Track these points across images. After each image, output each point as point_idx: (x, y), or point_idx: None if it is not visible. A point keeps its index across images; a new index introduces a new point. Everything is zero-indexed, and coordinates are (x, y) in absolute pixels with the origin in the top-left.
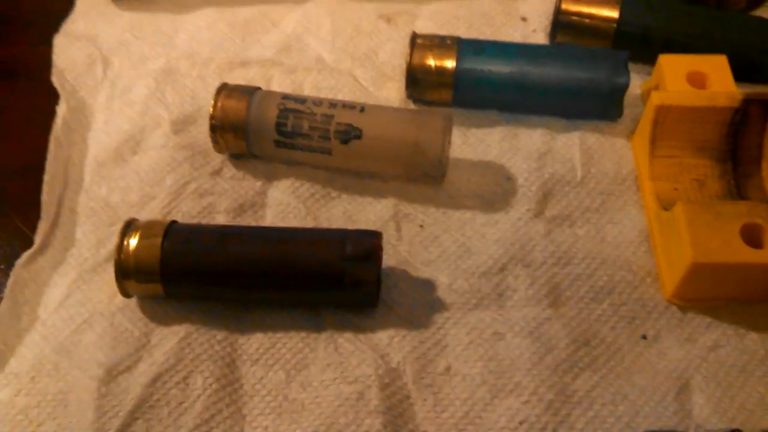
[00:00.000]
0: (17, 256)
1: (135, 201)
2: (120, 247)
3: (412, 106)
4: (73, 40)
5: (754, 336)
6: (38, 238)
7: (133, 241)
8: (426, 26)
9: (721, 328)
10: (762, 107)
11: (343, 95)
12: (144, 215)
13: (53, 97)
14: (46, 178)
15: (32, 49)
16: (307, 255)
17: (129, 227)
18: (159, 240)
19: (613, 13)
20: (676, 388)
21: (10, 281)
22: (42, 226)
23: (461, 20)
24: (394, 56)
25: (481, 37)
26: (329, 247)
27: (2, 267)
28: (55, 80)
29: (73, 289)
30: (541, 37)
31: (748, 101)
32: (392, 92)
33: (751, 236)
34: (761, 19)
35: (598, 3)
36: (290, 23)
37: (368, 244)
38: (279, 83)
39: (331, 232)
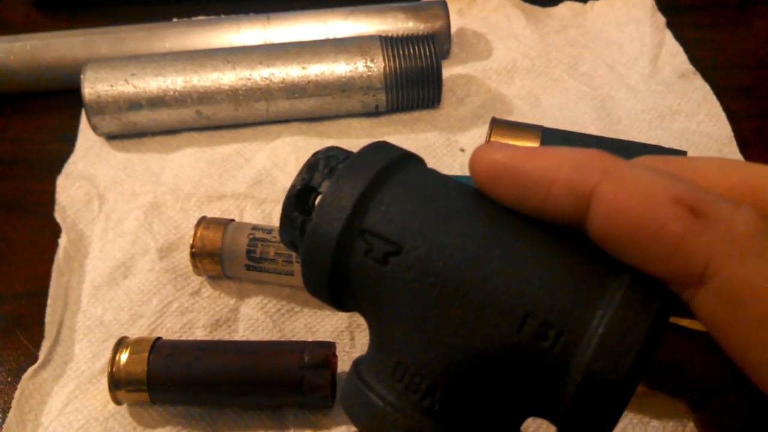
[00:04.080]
0: (23, 370)
1: (126, 319)
2: (112, 362)
3: None
4: (73, 180)
5: (655, 423)
6: (42, 354)
7: (123, 356)
8: None
9: (628, 417)
10: None
11: None
12: (133, 332)
13: (55, 229)
14: (49, 301)
15: (37, 185)
16: (271, 365)
17: (120, 344)
18: (146, 355)
19: (535, 144)
20: None
21: (17, 393)
22: (45, 344)
23: None
24: None
25: None
26: (290, 357)
27: (9, 380)
28: (58, 216)
29: (72, 398)
30: None
31: None
32: None
33: None
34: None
35: (522, 136)
36: (261, 159)
37: (323, 353)
38: (251, 213)
39: (291, 344)
